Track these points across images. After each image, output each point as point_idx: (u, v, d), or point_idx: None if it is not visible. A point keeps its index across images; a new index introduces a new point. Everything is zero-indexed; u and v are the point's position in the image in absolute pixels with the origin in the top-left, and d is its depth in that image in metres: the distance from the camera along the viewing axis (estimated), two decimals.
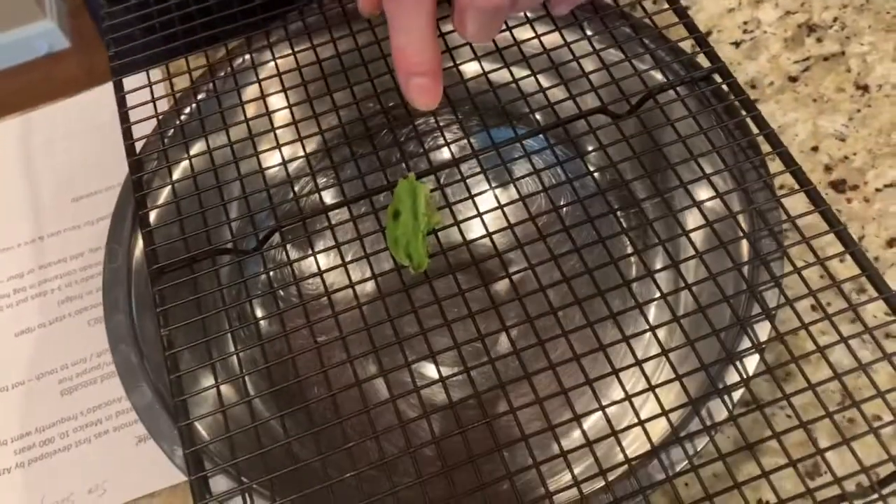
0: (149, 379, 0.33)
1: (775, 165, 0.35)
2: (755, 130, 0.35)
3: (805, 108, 0.48)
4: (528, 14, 0.38)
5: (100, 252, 0.48)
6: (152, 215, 0.36)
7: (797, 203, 0.34)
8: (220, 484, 0.30)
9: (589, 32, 0.37)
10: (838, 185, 0.45)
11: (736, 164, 0.35)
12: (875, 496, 0.26)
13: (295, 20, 0.41)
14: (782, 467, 0.27)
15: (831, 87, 0.48)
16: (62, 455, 0.43)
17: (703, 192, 0.33)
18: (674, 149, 0.34)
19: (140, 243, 0.35)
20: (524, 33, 0.38)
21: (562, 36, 0.37)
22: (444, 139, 0.36)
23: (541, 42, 0.37)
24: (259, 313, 0.36)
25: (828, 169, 0.46)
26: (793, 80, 0.49)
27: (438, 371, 0.30)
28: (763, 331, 0.31)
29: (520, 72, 0.37)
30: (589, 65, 0.36)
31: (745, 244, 0.34)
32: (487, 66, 0.37)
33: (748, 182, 0.34)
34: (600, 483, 0.28)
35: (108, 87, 0.53)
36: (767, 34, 0.50)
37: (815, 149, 0.46)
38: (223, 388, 0.30)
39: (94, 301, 0.47)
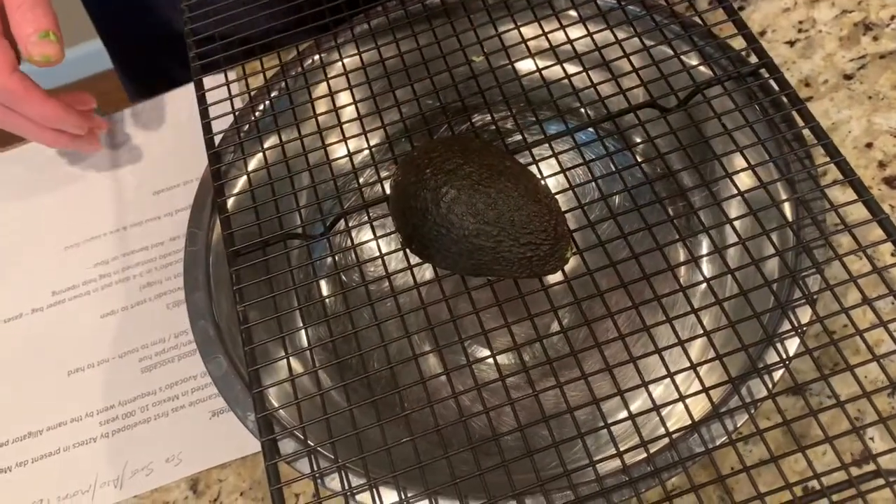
0: (224, 351, 0.36)
1: (823, 158, 0.36)
2: (801, 124, 0.36)
3: (860, 105, 0.48)
4: (581, 13, 0.40)
5: (178, 241, 0.52)
6: (229, 203, 0.39)
7: (846, 195, 0.34)
8: (287, 447, 0.33)
9: (639, 30, 0.39)
10: (892, 181, 0.46)
11: (781, 155, 0.36)
12: None
13: (361, 22, 0.44)
14: (819, 443, 0.28)
15: (887, 84, 0.48)
16: (142, 427, 0.47)
17: (747, 183, 0.35)
18: (720, 141, 0.36)
19: (218, 228, 0.38)
20: (576, 31, 0.40)
21: (613, 34, 0.39)
22: (499, 132, 0.38)
23: (593, 40, 0.39)
24: (325, 293, 0.39)
25: (882, 165, 0.46)
26: (848, 77, 0.49)
27: (491, 349, 0.32)
28: (804, 315, 0.32)
29: (572, 68, 0.39)
30: (638, 61, 0.37)
31: (788, 232, 0.35)
32: (541, 63, 0.39)
33: (792, 172, 0.35)
34: (642, 455, 0.30)
35: (185, 90, 0.57)
36: (823, 33, 0.51)
37: (869, 145, 0.47)
38: (292, 360, 0.33)
39: (173, 286, 0.50)
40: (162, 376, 0.48)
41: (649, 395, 0.30)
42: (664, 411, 0.30)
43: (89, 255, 0.53)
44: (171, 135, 0.56)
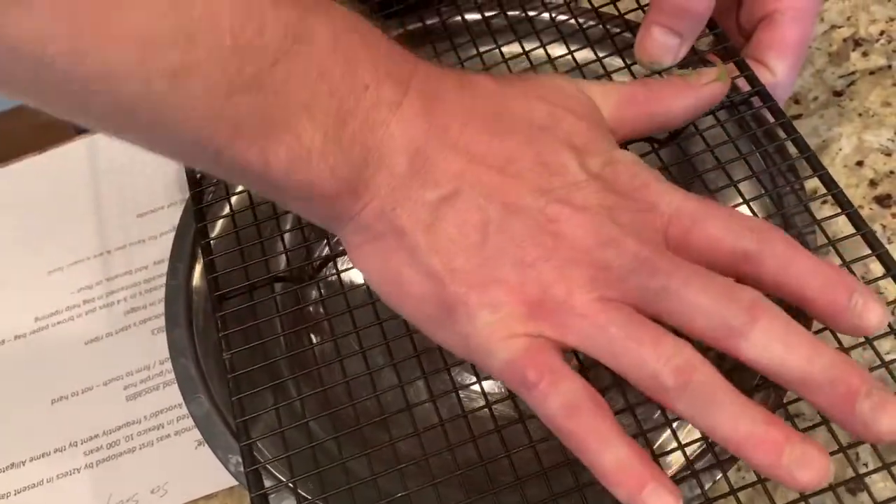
0: (206, 390, 0.35)
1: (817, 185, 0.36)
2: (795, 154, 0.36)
3: (850, 122, 0.48)
4: (567, 42, 0.39)
5: (163, 265, 0.50)
6: (213, 244, 0.38)
7: (844, 226, 0.34)
8: (276, 497, 0.32)
9: (629, 61, 0.38)
10: (883, 200, 0.45)
11: (774, 188, 0.35)
12: None
13: None
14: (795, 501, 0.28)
15: (877, 101, 0.48)
16: (127, 457, 0.46)
17: None
18: (714, 174, 0.35)
19: (200, 259, 0.37)
20: (557, 50, 0.39)
21: (594, 52, 0.38)
22: None
23: (574, 59, 0.38)
24: (314, 339, 0.38)
25: (873, 184, 0.46)
26: (837, 94, 0.49)
27: (484, 395, 0.32)
28: None
29: None
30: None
31: None
32: None
33: (786, 207, 0.35)
34: None
35: None
36: (812, 49, 0.50)
37: (859, 163, 0.46)
38: (281, 408, 0.32)
39: (157, 312, 0.49)
40: (147, 404, 0.47)
41: (647, 441, 0.29)
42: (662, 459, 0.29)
43: (73, 280, 0.52)
44: (156, 156, 0.55)
